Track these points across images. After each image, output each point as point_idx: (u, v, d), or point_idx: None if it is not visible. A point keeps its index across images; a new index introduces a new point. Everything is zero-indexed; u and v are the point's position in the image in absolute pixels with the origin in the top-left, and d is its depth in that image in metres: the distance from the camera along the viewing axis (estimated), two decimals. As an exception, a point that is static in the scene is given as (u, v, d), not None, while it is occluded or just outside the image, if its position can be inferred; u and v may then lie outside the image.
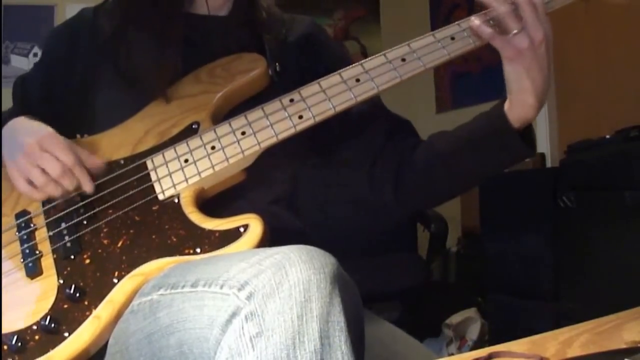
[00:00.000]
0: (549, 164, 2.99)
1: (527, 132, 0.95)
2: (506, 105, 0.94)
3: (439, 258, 3.20)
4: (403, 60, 0.95)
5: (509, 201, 2.54)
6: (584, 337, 0.87)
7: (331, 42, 1.19)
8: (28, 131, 0.92)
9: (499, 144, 0.95)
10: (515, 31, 0.88)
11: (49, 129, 0.93)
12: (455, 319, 2.81)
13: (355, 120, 1.03)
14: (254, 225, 0.86)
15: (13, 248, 0.92)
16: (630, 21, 2.48)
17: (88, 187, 0.91)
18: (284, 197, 1.03)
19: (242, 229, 0.87)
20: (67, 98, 1.04)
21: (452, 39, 0.95)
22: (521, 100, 0.92)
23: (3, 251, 0.92)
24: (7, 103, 1.11)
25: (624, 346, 0.81)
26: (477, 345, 2.67)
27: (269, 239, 0.87)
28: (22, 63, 3.10)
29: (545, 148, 3.06)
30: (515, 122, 0.93)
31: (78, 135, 0.99)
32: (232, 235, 0.87)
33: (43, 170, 0.89)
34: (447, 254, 3.30)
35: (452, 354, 2.49)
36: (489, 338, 2.71)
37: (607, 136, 2.35)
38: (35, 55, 3.12)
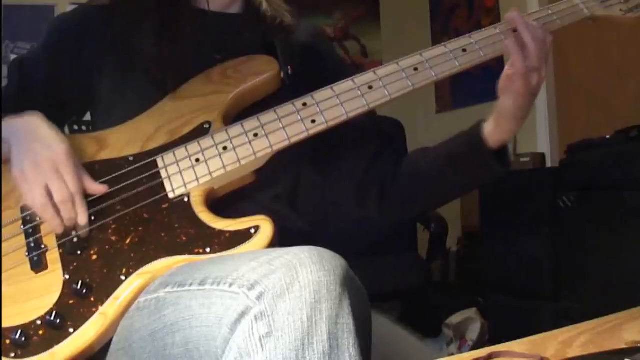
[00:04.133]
0: (549, 164, 2.99)
1: (502, 151, 1.00)
2: (488, 127, 0.98)
3: (439, 258, 3.20)
4: (415, 69, 0.96)
5: (509, 201, 2.54)
6: (584, 337, 0.87)
7: (334, 51, 1.21)
8: (45, 140, 0.91)
9: (477, 166, 1.00)
10: (536, 65, 0.92)
11: (65, 144, 0.91)
12: (455, 319, 2.81)
13: (347, 131, 1.04)
14: (265, 227, 0.87)
15: (18, 241, 0.91)
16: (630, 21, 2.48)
17: (83, 220, 0.89)
18: (284, 195, 1.03)
19: (252, 230, 0.87)
20: (70, 83, 1.04)
21: (464, 50, 0.97)
22: (508, 127, 0.97)
23: (7, 244, 0.91)
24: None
25: (624, 346, 0.81)
26: (477, 345, 2.67)
27: (278, 240, 0.87)
28: (22, 63, 3.09)
29: (545, 148, 3.06)
30: (494, 144, 0.98)
31: (83, 127, 0.99)
32: (243, 236, 0.87)
33: (48, 191, 0.88)
34: (447, 254, 3.31)
35: (452, 354, 2.49)
36: (489, 338, 2.72)
37: (607, 136, 2.35)
38: (35, 55, 3.12)
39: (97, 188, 0.91)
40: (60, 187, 0.88)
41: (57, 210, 0.88)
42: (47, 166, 0.88)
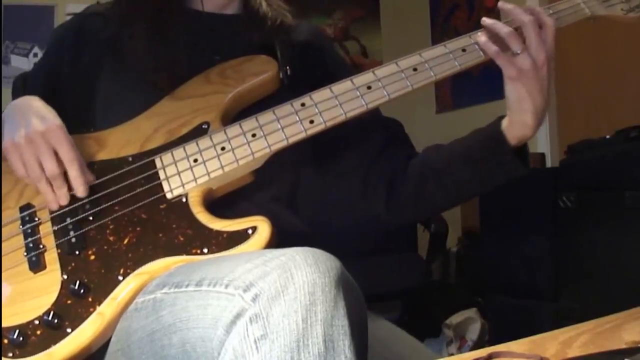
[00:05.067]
0: (549, 164, 2.99)
1: (521, 150, 0.97)
2: (505, 123, 0.96)
3: (439, 258, 3.20)
4: (414, 69, 0.96)
5: (509, 201, 2.54)
6: (584, 337, 0.87)
7: (335, 50, 1.21)
8: (40, 115, 0.91)
9: (495, 162, 0.97)
10: (517, 51, 0.90)
11: (58, 120, 0.92)
12: (455, 319, 2.81)
13: (352, 128, 1.04)
14: (262, 227, 0.87)
15: (16, 241, 0.91)
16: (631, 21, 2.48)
17: (81, 192, 0.90)
18: (283, 195, 1.03)
19: (250, 231, 0.87)
20: (71, 94, 1.04)
21: (464, 50, 0.97)
22: (521, 120, 0.93)
23: (6, 244, 0.91)
24: (7, 103, 1.11)
25: (624, 346, 0.81)
26: (477, 345, 2.67)
27: (276, 241, 0.87)
28: (22, 63, 3.10)
29: (545, 148, 3.06)
30: (512, 140, 0.95)
31: (91, 129, 0.99)
32: (240, 237, 0.87)
33: (40, 165, 0.88)
34: (447, 254, 3.30)
35: (452, 354, 2.50)
36: (489, 338, 2.72)
37: (607, 136, 2.35)
38: (35, 55, 3.12)
39: (87, 176, 0.92)
40: (52, 163, 0.88)
41: (50, 185, 0.89)
42: (39, 140, 0.88)
